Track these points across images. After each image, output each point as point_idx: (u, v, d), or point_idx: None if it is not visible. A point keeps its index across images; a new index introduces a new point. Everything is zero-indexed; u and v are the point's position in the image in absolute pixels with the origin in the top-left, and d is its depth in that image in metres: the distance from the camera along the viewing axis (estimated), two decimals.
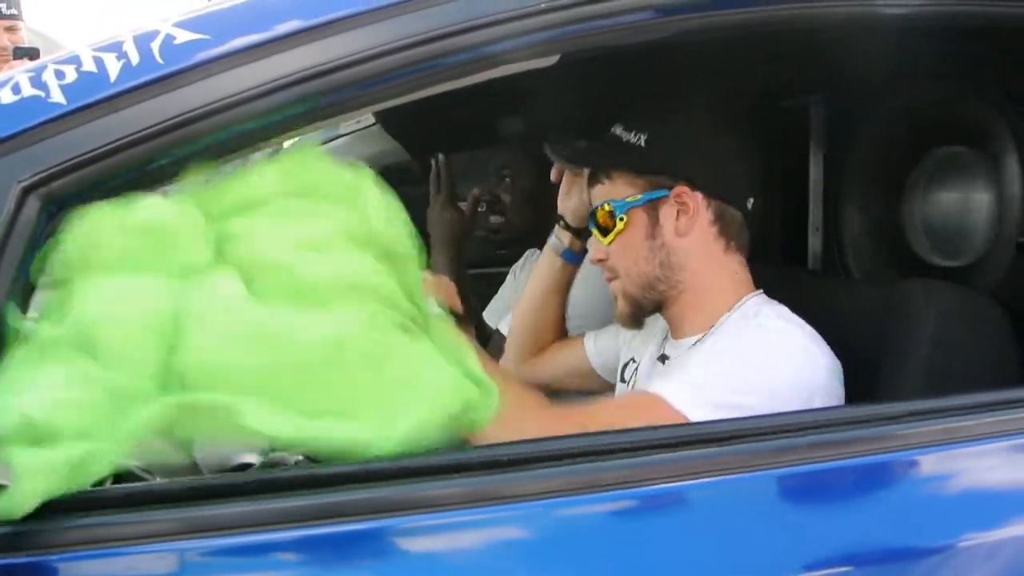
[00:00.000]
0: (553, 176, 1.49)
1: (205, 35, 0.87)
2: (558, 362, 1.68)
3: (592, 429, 1.00)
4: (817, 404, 1.14)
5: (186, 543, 0.75)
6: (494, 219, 2.01)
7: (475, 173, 2.86)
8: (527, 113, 1.85)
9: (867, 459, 0.91)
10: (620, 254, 1.31)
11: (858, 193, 1.70)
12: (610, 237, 1.30)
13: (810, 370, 1.16)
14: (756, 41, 1.23)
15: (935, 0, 1.10)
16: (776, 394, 1.10)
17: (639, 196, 1.28)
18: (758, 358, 1.16)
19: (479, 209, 2.12)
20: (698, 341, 1.28)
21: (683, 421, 1.06)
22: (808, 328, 1.22)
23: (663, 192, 1.27)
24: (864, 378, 1.26)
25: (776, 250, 2.03)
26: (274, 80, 0.86)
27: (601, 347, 1.61)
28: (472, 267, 2.88)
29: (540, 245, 2.00)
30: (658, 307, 1.33)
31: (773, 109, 1.93)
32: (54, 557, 0.73)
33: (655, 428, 0.94)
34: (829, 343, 1.21)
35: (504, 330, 1.84)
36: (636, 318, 1.34)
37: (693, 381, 1.12)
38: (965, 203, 1.51)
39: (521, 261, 2.24)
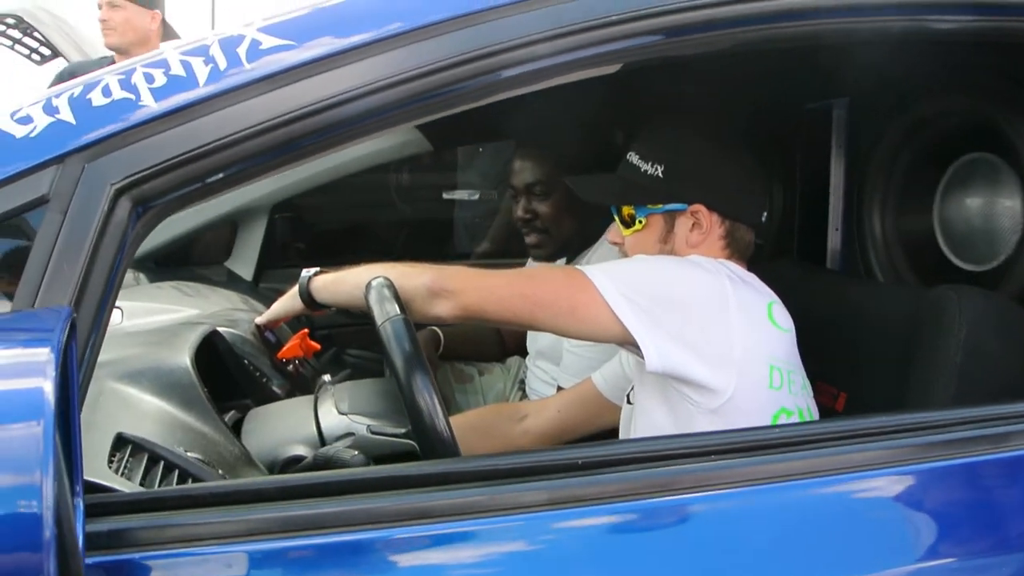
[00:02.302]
0: (610, 238, 1.50)
1: (290, 41, 0.88)
2: (576, 413, 1.71)
3: (527, 280, 1.26)
4: (734, 320, 1.22)
5: (286, 542, 0.77)
6: (535, 236, 2.00)
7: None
8: (546, 124, 1.87)
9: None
10: (632, 248, 1.41)
11: (881, 196, 1.74)
12: (630, 232, 1.40)
13: (718, 288, 1.25)
14: (786, 50, 1.26)
15: (978, 17, 1.12)
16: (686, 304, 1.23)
17: (659, 206, 1.37)
18: (674, 271, 1.28)
19: None
20: None
21: (595, 292, 1.19)
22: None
23: (681, 206, 1.36)
24: (890, 383, 1.30)
25: (793, 247, 2.07)
26: (355, 87, 0.88)
27: (608, 376, 1.67)
28: (490, 257, 2.91)
29: (576, 251, 2.03)
30: None
31: (796, 110, 1.96)
32: (153, 554, 0.75)
33: (725, 433, 0.97)
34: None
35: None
36: None
37: (614, 266, 1.29)
38: (991, 209, 1.55)
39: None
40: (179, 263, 2.69)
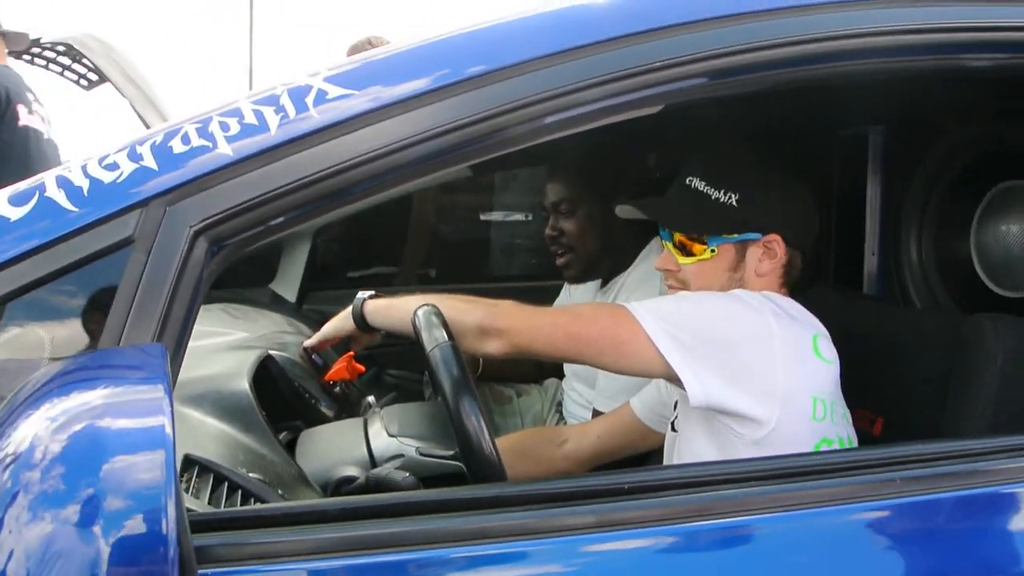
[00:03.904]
0: (659, 265, 1.48)
1: (352, 91, 0.94)
2: (616, 439, 1.75)
3: (573, 319, 1.29)
4: (778, 356, 1.24)
5: (347, 560, 0.82)
6: (564, 256, 2.05)
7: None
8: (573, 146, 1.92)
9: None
10: (696, 276, 1.40)
11: (919, 221, 1.77)
12: (692, 260, 1.39)
13: (763, 325, 1.26)
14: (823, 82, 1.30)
15: (1011, 55, 1.15)
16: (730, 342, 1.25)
17: (734, 235, 1.37)
18: (719, 309, 1.29)
19: None
20: None
21: (639, 329, 1.23)
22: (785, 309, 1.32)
23: (756, 236, 1.37)
24: (927, 409, 1.33)
25: (830, 271, 2.10)
26: (411, 135, 0.94)
27: (647, 403, 1.70)
28: (527, 279, 2.97)
29: (608, 271, 2.08)
30: None
31: (833, 136, 1.99)
32: (230, 570, 0.80)
33: (764, 459, 1.01)
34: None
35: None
36: None
37: (657, 302, 1.31)
38: None
39: None
40: (225, 285, 2.77)
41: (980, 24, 1.07)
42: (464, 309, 1.28)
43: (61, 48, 4.76)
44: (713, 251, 1.37)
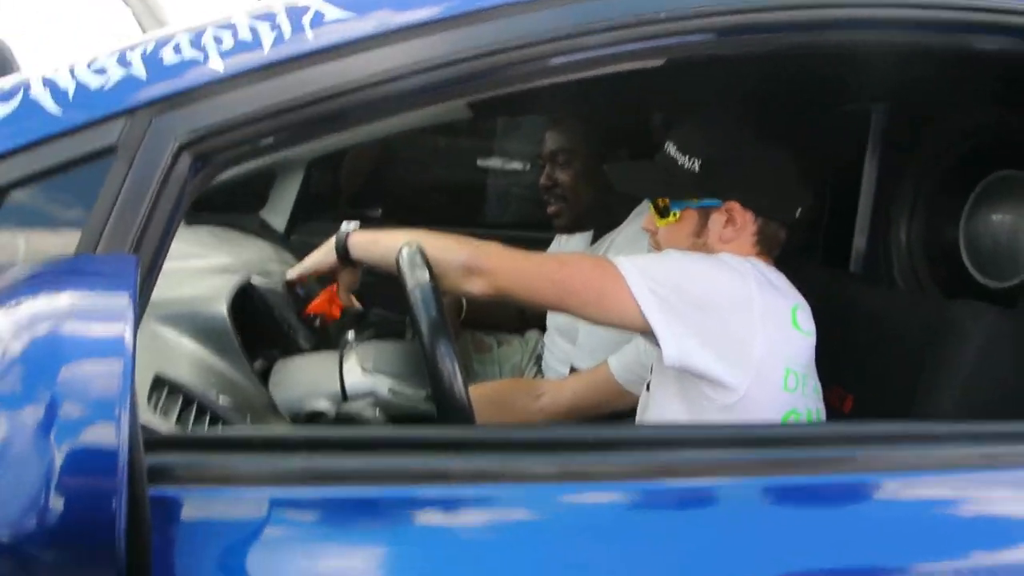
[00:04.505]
0: (644, 225, 1.50)
1: (351, 12, 0.92)
2: (592, 396, 1.77)
3: (559, 266, 1.30)
4: (757, 323, 1.25)
5: (309, 491, 0.82)
6: (555, 205, 2.05)
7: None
8: (576, 98, 1.89)
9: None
10: (665, 238, 1.42)
11: (911, 204, 1.76)
12: (663, 223, 1.42)
13: (744, 291, 1.28)
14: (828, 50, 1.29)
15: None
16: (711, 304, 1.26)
17: (694, 201, 1.38)
18: (704, 271, 1.31)
19: None
20: None
21: (622, 283, 1.24)
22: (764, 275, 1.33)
23: (716, 203, 1.38)
24: (898, 391, 1.34)
25: (819, 246, 2.10)
26: (409, 64, 0.92)
27: (624, 363, 1.71)
28: (516, 228, 2.95)
29: (599, 226, 2.07)
30: None
31: (834, 111, 1.98)
32: (188, 491, 0.80)
33: (729, 426, 1.02)
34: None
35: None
36: None
37: (644, 259, 1.32)
38: (1017, 227, 1.57)
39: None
40: (214, 208, 2.75)
41: (992, 5, 1.05)
42: (450, 248, 1.27)
43: None
44: (676, 215, 1.39)
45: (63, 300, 0.60)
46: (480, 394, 1.38)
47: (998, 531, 0.98)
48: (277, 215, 2.77)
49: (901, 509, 0.97)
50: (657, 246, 1.44)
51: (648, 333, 1.26)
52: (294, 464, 0.84)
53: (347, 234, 1.46)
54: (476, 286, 1.26)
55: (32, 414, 0.54)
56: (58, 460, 0.54)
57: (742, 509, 0.93)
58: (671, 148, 1.42)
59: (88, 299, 0.61)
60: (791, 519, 0.95)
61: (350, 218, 1.56)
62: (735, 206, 1.37)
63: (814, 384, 1.33)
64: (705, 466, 0.92)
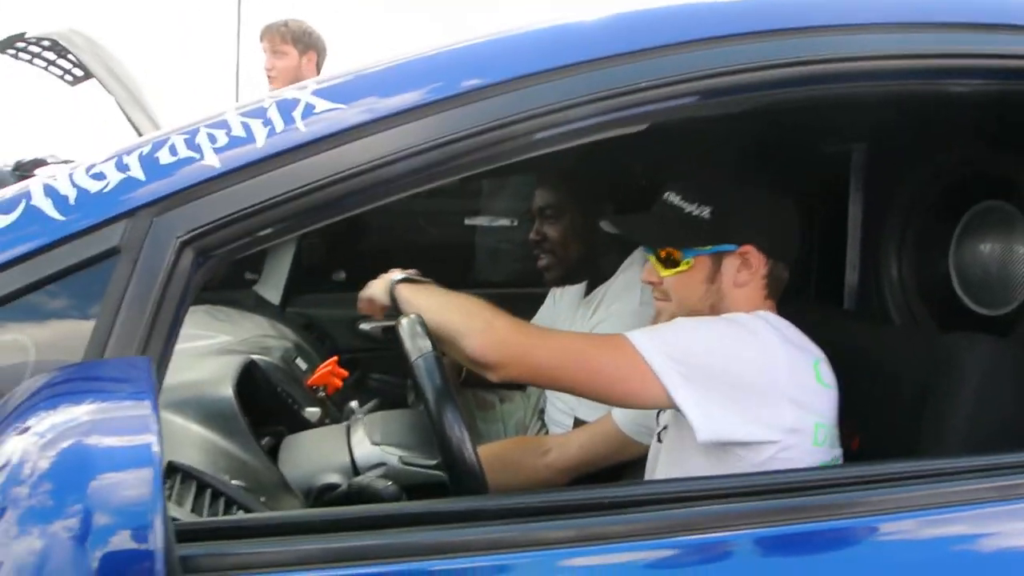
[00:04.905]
0: (644, 278, 1.48)
1: (340, 105, 0.95)
2: (598, 449, 1.76)
3: (568, 345, 1.28)
4: (785, 386, 1.25)
5: (333, 572, 0.83)
6: (544, 259, 2.08)
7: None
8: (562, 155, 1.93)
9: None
10: (677, 288, 1.41)
11: (899, 239, 1.79)
12: (671, 272, 1.40)
13: (769, 355, 1.27)
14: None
15: (990, 81, 1.16)
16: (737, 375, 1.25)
17: (707, 247, 1.38)
18: (723, 339, 1.29)
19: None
20: None
21: (641, 363, 1.22)
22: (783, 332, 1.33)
23: (731, 247, 1.38)
24: (906, 428, 1.34)
25: (812, 285, 2.12)
26: (399, 149, 0.95)
27: (629, 414, 1.70)
28: (511, 286, 2.97)
29: (588, 278, 2.10)
30: None
31: (815, 153, 2.01)
32: None
33: (741, 476, 1.02)
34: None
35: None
36: None
37: (660, 333, 1.29)
38: (1005, 255, 1.59)
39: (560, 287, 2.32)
40: (207, 287, 2.76)
41: (957, 51, 1.09)
42: (460, 331, 1.25)
43: (46, 43, 4.73)
44: (688, 263, 1.38)
45: (85, 412, 0.61)
46: (487, 455, 1.37)
47: (1020, 563, 0.99)
48: (271, 289, 2.80)
49: (921, 549, 0.98)
50: (663, 297, 1.43)
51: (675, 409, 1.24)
52: (314, 546, 0.84)
53: (396, 282, 1.42)
54: (490, 376, 1.25)
55: (65, 526, 0.55)
56: (94, 567, 0.55)
57: (762, 559, 0.94)
58: (673, 198, 1.42)
59: (110, 411, 0.62)
60: (812, 566, 0.96)
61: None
62: (750, 249, 1.38)
63: (836, 432, 1.33)
64: (723, 518, 0.93)
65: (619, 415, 1.72)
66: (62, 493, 0.57)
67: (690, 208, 1.39)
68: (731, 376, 1.24)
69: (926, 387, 1.34)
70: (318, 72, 3.67)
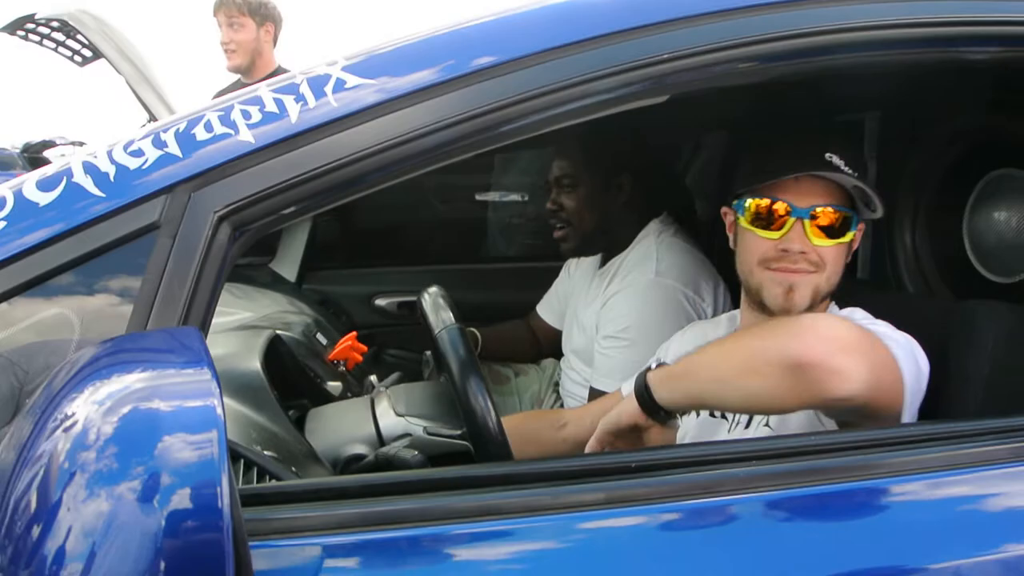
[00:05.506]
0: (785, 246, 1.34)
1: (371, 80, 0.97)
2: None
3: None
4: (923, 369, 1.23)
5: (369, 535, 0.86)
6: (561, 229, 2.10)
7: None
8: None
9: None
10: (836, 256, 1.37)
11: (912, 208, 1.80)
12: (832, 242, 1.34)
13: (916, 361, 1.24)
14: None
15: (1005, 48, 1.17)
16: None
17: (871, 217, 1.38)
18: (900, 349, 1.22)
19: None
20: None
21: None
22: None
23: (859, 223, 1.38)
24: (926, 396, 1.37)
25: None
26: (426, 124, 0.97)
27: None
28: (525, 260, 3.00)
29: (603, 249, 2.12)
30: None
31: (828, 122, 2.02)
32: (258, 544, 0.83)
33: (764, 439, 1.05)
34: None
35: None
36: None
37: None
38: (1019, 223, 1.61)
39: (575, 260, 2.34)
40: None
41: (974, 18, 1.10)
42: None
43: (55, 24, 4.74)
44: (853, 233, 1.37)
45: (143, 379, 0.64)
46: (505, 427, 1.38)
47: None
48: (288, 266, 2.82)
49: (935, 510, 1.00)
50: (816, 269, 1.34)
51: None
52: (351, 511, 0.87)
53: (644, 378, 1.22)
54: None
55: (131, 488, 0.58)
56: (163, 525, 0.58)
57: (781, 521, 0.96)
58: (838, 161, 1.32)
59: (170, 377, 0.65)
60: (831, 527, 0.99)
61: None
62: (862, 226, 1.39)
63: None
64: (743, 481, 0.95)
65: (627, 389, 1.72)
66: (128, 455, 0.59)
67: (854, 176, 1.33)
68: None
69: (942, 354, 1.36)
70: (275, 44, 3.63)
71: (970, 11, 1.11)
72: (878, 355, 1.14)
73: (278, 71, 3.65)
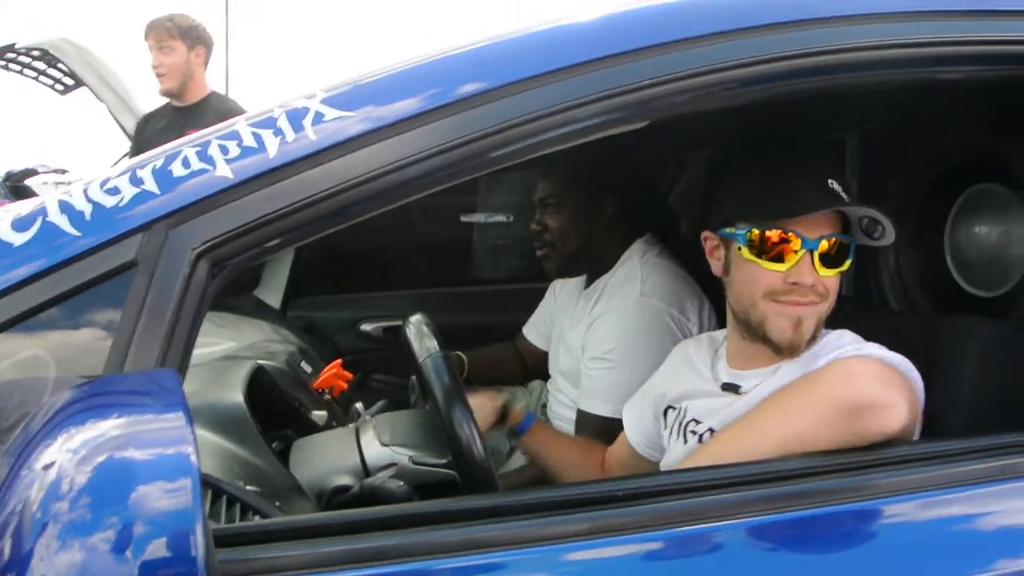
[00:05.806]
0: (795, 279, 1.30)
1: (349, 112, 0.96)
2: (616, 464, 1.73)
3: None
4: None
5: (353, 573, 0.85)
6: (545, 250, 2.10)
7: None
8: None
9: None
10: (837, 284, 1.33)
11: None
12: (833, 272, 1.31)
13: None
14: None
15: (983, 67, 1.18)
16: None
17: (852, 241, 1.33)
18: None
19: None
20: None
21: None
22: None
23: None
24: None
25: None
26: (406, 155, 0.96)
27: (639, 427, 1.64)
28: (512, 281, 2.99)
29: (588, 270, 2.12)
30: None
31: (810, 139, 2.03)
32: None
33: (747, 465, 1.05)
34: None
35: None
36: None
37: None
38: (1000, 237, 1.61)
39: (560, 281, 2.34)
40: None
41: (954, 39, 1.11)
42: None
43: (36, 53, 4.74)
44: (851, 260, 1.33)
45: (117, 425, 0.63)
46: (558, 449, 1.32)
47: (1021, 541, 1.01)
48: (272, 293, 2.81)
49: (923, 531, 1.00)
50: (821, 300, 1.31)
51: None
52: (335, 548, 0.86)
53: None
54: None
55: (105, 538, 0.57)
56: (136, 575, 0.57)
57: (770, 545, 0.96)
58: (836, 187, 1.30)
59: (144, 423, 0.64)
60: (819, 551, 0.98)
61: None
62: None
63: None
64: (729, 507, 0.95)
65: (636, 438, 1.66)
66: (102, 506, 0.58)
67: (842, 191, 1.30)
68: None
69: (927, 370, 1.36)
70: (206, 67, 3.64)
71: (949, 32, 1.12)
72: (902, 381, 1.17)
73: (212, 96, 3.66)
